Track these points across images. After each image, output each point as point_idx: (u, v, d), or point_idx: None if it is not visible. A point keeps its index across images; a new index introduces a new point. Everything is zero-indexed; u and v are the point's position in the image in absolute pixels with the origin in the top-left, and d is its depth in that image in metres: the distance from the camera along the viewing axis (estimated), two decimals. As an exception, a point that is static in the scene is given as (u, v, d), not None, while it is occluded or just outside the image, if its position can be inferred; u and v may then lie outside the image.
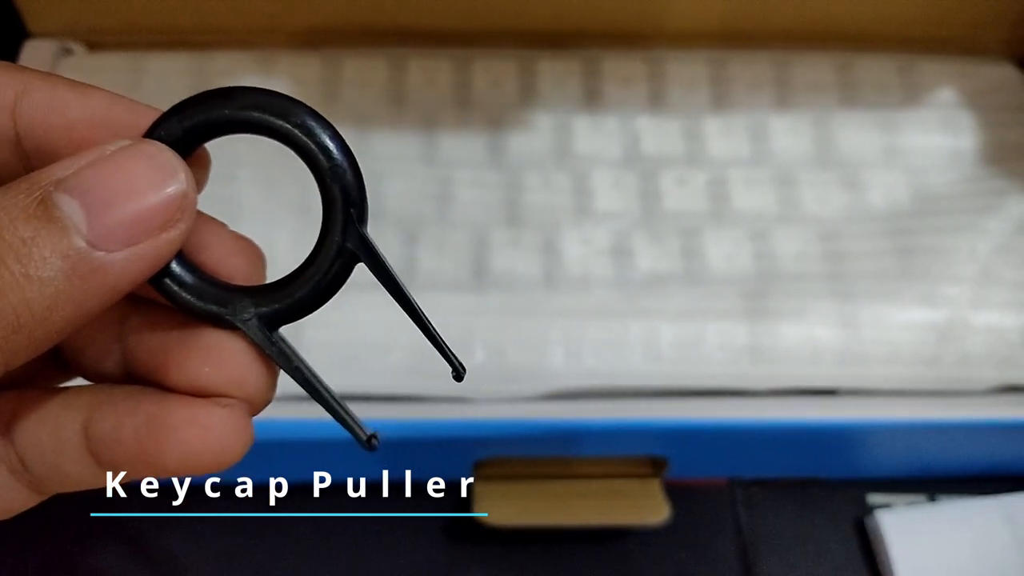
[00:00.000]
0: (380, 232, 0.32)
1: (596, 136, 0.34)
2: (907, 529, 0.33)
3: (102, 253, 0.14)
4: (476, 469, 0.31)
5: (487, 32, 0.36)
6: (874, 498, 0.35)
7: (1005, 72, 0.37)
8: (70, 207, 0.14)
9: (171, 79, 0.35)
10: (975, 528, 0.33)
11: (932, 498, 0.35)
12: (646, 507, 0.31)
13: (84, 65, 0.36)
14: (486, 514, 0.30)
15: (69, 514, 0.33)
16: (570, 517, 0.31)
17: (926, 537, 0.33)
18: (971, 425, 0.30)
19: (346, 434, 0.18)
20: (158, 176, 0.14)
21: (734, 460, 0.32)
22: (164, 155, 0.15)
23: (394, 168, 0.34)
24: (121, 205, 0.14)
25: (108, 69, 0.36)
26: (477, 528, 0.30)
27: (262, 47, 0.36)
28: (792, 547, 0.34)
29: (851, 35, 0.37)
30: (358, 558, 0.33)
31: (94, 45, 0.37)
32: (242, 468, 0.31)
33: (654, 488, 0.31)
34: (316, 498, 0.33)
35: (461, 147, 0.34)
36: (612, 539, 0.34)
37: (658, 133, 0.35)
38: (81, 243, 0.14)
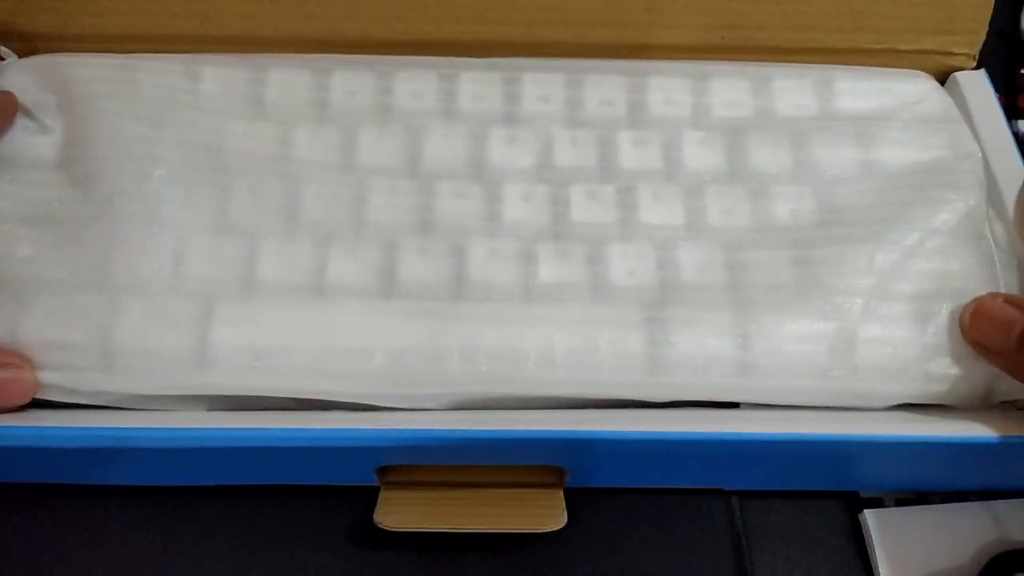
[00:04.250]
0: (294, 235, 0.33)
1: (510, 147, 0.35)
2: (892, 529, 0.33)
3: None
4: (381, 476, 0.32)
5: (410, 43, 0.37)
6: (866, 493, 0.35)
7: (922, 84, 0.37)
8: None
9: (98, 79, 0.36)
10: (961, 530, 0.33)
11: (922, 495, 0.35)
12: (543, 515, 0.31)
13: (12, 70, 0.36)
14: (382, 520, 0.31)
15: None
16: (467, 524, 0.31)
17: (911, 537, 0.33)
18: (868, 442, 0.30)
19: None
20: None
21: (631, 471, 0.33)
22: None
23: (314, 174, 0.34)
24: None
25: (36, 72, 0.36)
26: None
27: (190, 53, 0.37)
28: (785, 540, 0.34)
29: (768, 48, 0.37)
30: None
31: (23, 51, 0.37)
32: (154, 470, 0.32)
33: (554, 497, 0.32)
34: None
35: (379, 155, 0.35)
36: (605, 534, 0.34)
37: (572, 145, 0.35)
38: None
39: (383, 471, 0.32)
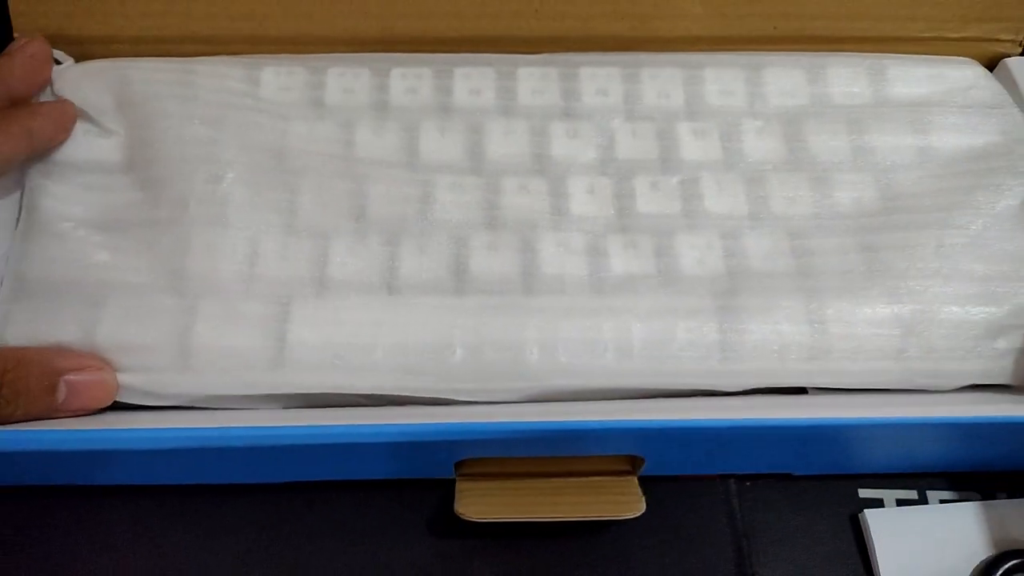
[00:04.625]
0: (364, 234, 0.33)
1: (572, 141, 0.35)
2: (892, 529, 0.34)
3: None
4: (457, 468, 0.32)
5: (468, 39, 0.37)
6: (865, 493, 0.35)
7: (971, 70, 0.38)
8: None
9: (158, 82, 0.36)
10: (961, 530, 0.34)
11: (922, 495, 0.35)
12: (623, 502, 0.32)
13: (70, 74, 0.36)
14: (464, 511, 0.31)
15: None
16: (548, 512, 0.32)
17: (911, 537, 0.33)
18: (940, 423, 0.30)
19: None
20: None
21: (711, 458, 0.33)
22: None
23: (378, 172, 0.35)
24: None
25: (95, 75, 0.36)
26: (469, 524, 0.31)
27: (248, 55, 0.37)
28: (786, 538, 0.35)
29: (820, 38, 0.38)
30: (347, 555, 0.34)
31: (81, 54, 0.37)
32: (249, 468, 0.32)
33: (631, 485, 0.32)
34: (307, 497, 0.35)
35: (442, 153, 0.35)
36: (606, 531, 0.35)
37: (632, 137, 0.35)
38: None
39: (459, 463, 0.32)
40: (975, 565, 0.33)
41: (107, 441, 0.28)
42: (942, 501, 0.35)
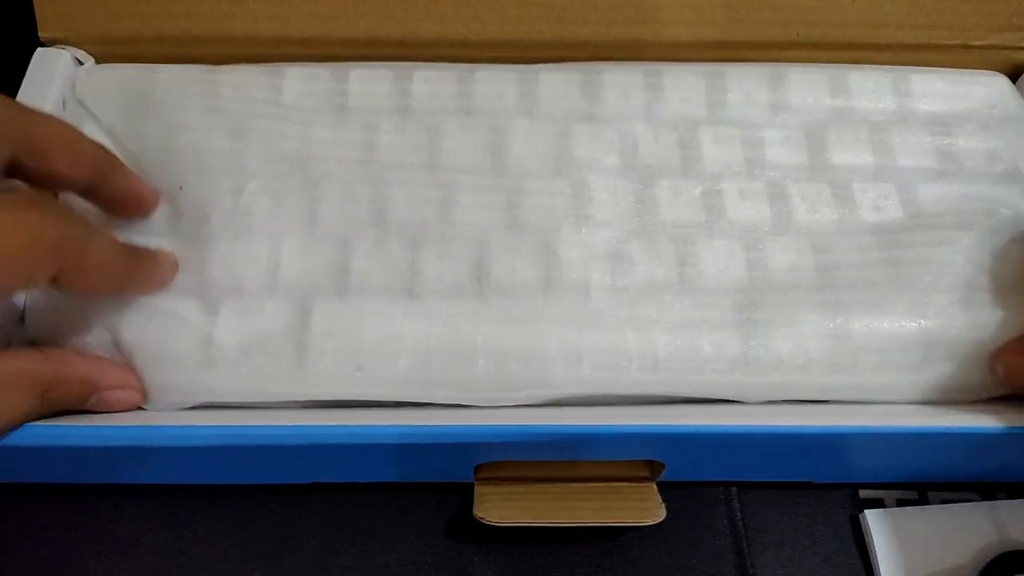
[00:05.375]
0: (386, 239, 0.33)
1: (594, 144, 0.35)
2: (892, 529, 0.34)
3: None
4: (476, 472, 0.32)
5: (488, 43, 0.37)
6: (865, 494, 0.35)
7: (996, 85, 0.38)
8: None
9: (180, 90, 0.36)
10: (961, 530, 0.34)
11: (923, 496, 0.36)
12: (643, 509, 0.32)
13: (92, 77, 0.36)
14: (485, 515, 0.31)
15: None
16: (568, 517, 0.32)
17: (911, 537, 0.33)
18: (961, 433, 0.30)
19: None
20: None
21: (729, 465, 0.33)
22: None
23: (400, 176, 0.35)
24: None
25: (117, 80, 0.36)
26: (479, 529, 0.31)
27: (271, 58, 0.37)
28: (786, 538, 0.35)
29: (841, 44, 0.38)
30: (364, 555, 0.34)
31: (103, 54, 0.37)
32: (267, 468, 0.32)
33: (651, 491, 0.32)
34: (312, 498, 0.35)
35: (464, 155, 0.35)
36: (608, 535, 0.35)
37: (655, 143, 0.35)
38: None
39: (478, 467, 0.32)
40: (975, 565, 0.33)
41: (147, 438, 0.29)
42: (942, 501, 0.35)
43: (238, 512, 0.35)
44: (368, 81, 0.36)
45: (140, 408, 0.31)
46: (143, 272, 0.30)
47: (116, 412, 0.30)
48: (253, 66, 0.37)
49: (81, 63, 0.37)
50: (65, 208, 0.29)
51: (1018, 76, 0.39)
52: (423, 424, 0.30)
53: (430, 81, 0.37)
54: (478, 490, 0.32)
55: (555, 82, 0.37)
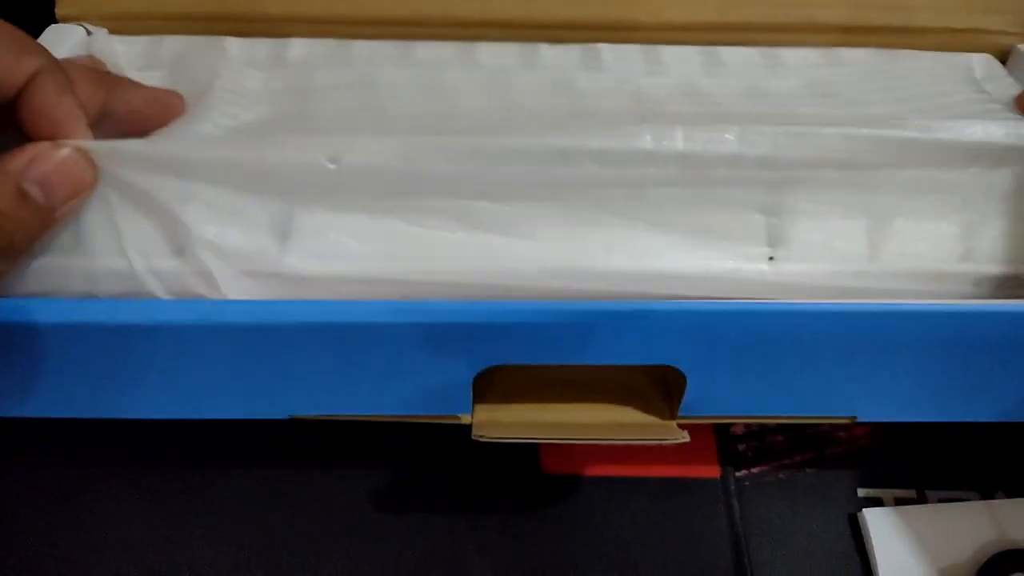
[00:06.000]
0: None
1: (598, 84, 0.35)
2: (891, 528, 0.34)
3: None
4: (476, 390, 0.29)
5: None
6: (863, 492, 0.36)
7: (985, 63, 0.39)
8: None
9: (190, 63, 0.36)
10: (960, 529, 0.34)
11: (921, 495, 0.36)
12: (659, 426, 0.28)
13: (102, 40, 0.37)
14: (484, 433, 0.28)
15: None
16: (575, 433, 0.28)
17: (910, 537, 0.33)
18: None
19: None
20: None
21: (756, 384, 0.30)
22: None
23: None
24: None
25: (128, 52, 0.37)
26: (476, 523, 0.31)
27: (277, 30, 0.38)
28: (784, 537, 0.34)
29: (828, 27, 0.39)
30: (362, 550, 0.34)
31: (116, 31, 0.38)
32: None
33: (668, 423, 0.29)
34: (323, 493, 0.35)
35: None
36: (605, 529, 0.34)
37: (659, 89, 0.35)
38: None
39: (479, 379, 0.29)
40: (974, 564, 0.33)
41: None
42: (941, 500, 0.35)
43: (236, 507, 0.34)
44: (373, 48, 0.37)
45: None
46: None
47: (80, 190, 0.26)
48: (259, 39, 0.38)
49: (91, 33, 0.38)
50: None
51: (1004, 60, 0.40)
52: (427, 302, 0.27)
53: (432, 48, 0.37)
54: (477, 412, 0.29)
55: (555, 51, 0.37)
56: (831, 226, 0.30)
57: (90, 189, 0.27)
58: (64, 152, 0.26)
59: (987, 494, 0.35)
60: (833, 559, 0.34)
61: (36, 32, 0.37)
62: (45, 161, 0.25)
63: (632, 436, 0.28)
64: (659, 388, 0.31)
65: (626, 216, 0.29)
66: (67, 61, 0.29)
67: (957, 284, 0.30)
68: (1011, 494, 0.35)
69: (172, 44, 0.37)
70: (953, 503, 0.35)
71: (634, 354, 0.28)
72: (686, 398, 0.29)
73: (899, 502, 0.35)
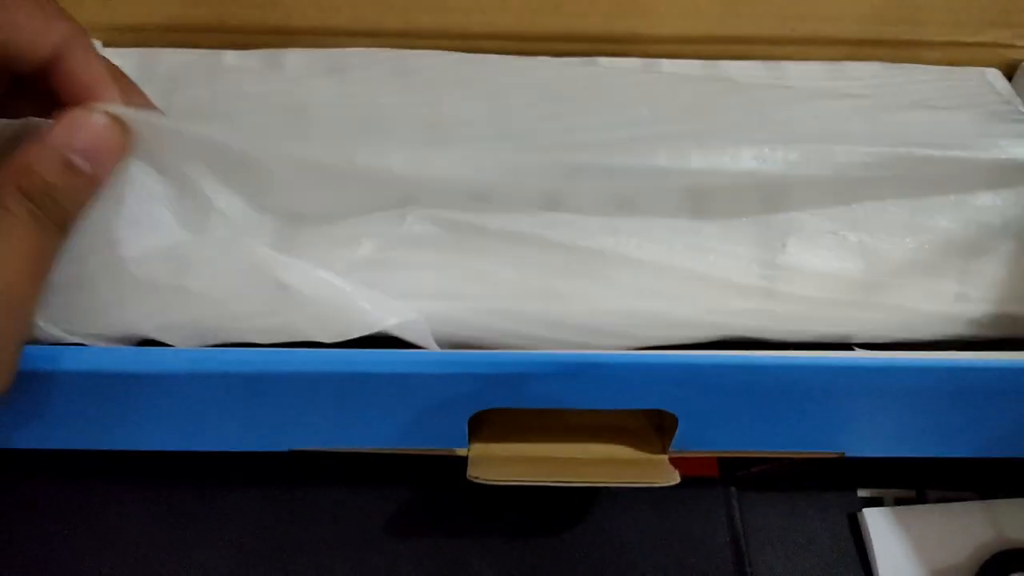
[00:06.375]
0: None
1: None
2: (891, 528, 0.33)
3: None
4: (472, 431, 0.30)
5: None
6: (863, 492, 0.36)
7: (989, 77, 0.38)
8: None
9: (183, 75, 0.36)
10: (959, 529, 0.34)
11: (921, 495, 0.35)
12: (652, 469, 0.29)
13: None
14: (479, 475, 0.28)
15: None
16: (570, 476, 0.29)
17: (909, 537, 0.33)
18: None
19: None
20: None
21: (743, 424, 0.30)
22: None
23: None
24: None
25: (122, 66, 0.37)
26: (477, 526, 0.31)
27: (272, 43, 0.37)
28: (784, 537, 0.34)
29: (834, 40, 0.38)
30: (364, 554, 0.34)
31: (108, 42, 0.38)
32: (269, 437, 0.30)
33: (661, 460, 0.30)
34: (324, 496, 0.35)
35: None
36: (606, 532, 0.34)
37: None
38: None
39: (474, 422, 0.29)
40: (973, 564, 0.33)
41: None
42: (941, 500, 0.35)
43: (237, 511, 0.35)
44: (367, 56, 0.37)
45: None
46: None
47: (118, 154, 0.26)
48: (252, 52, 0.37)
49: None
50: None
51: (1011, 73, 0.39)
52: (419, 353, 0.27)
53: (428, 58, 0.37)
54: (473, 450, 0.29)
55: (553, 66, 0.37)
56: (827, 265, 0.30)
57: (127, 153, 0.27)
58: (101, 120, 0.25)
59: (987, 494, 0.35)
60: (833, 559, 0.34)
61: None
62: (86, 130, 0.25)
63: (625, 479, 0.29)
64: (652, 423, 0.31)
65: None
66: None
67: (952, 324, 0.30)
68: (1011, 494, 0.35)
69: (167, 57, 0.37)
70: (953, 503, 0.35)
71: (626, 401, 0.28)
72: (678, 435, 0.30)
73: (899, 502, 0.35)
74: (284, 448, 0.31)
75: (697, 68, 0.38)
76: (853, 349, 0.29)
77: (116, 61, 0.36)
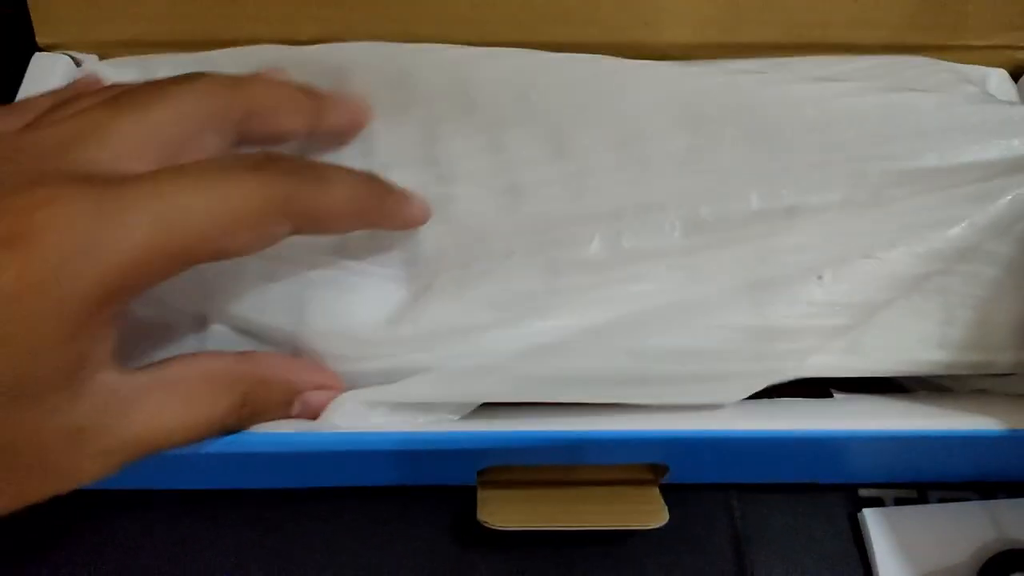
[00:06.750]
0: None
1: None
2: (891, 528, 0.34)
3: None
4: (480, 476, 0.32)
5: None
6: (865, 493, 0.36)
7: (996, 78, 0.38)
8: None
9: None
10: (960, 529, 0.34)
11: (922, 495, 0.36)
12: (646, 511, 0.32)
13: (93, 68, 0.36)
14: (489, 519, 0.31)
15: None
16: (571, 521, 0.31)
17: (910, 537, 0.34)
18: (963, 436, 0.30)
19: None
20: None
21: (731, 468, 0.33)
22: None
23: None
24: None
25: (120, 78, 0.36)
26: (481, 531, 0.31)
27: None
28: (785, 538, 0.35)
29: (841, 45, 0.38)
30: (366, 558, 0.34)
31: (102, 57, 0.37)
32: (265, 475, 0.32)
33: (654, 494, 0.32)
34: (326, 500, 0.35)
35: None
36: (609, 536, 0.35)
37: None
38: None
39: (482, 471, 0.32)
40: (974, 564, 0.33)
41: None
42: (942, 500, 0.35)
43: (239, 514, 0.35)
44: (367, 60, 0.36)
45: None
46: (388, 209, 0.28)
47: (314, 418, 0.28)
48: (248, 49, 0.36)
49: (78, 65, 0.37)
50: (293, 158, 0.26)
51: (1020, 75, 0.39)
52: (428, 431, 0.29)
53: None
54: (481, 494, 0.32)
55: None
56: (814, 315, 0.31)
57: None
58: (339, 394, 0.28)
59: (988, 494, 0.35)
60: (834, 560, 0.34)
61: (19, 64, 0.36)
62: (326, 393, 0.28)
63: (619, 523, 0.31)
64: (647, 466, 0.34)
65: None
66: (274, 84, 0.29)
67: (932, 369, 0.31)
68: (1011, 494, 0.35)
69: (165, 67, 0.36)
70: (954, 503, 0.35)
71: (623, 459, 0.31)
72: (668, 476, 0.32)
73: (899, 502, 0.35)
74: (284, 486, 0.34)
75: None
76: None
77: (115, 72, 0.36)
